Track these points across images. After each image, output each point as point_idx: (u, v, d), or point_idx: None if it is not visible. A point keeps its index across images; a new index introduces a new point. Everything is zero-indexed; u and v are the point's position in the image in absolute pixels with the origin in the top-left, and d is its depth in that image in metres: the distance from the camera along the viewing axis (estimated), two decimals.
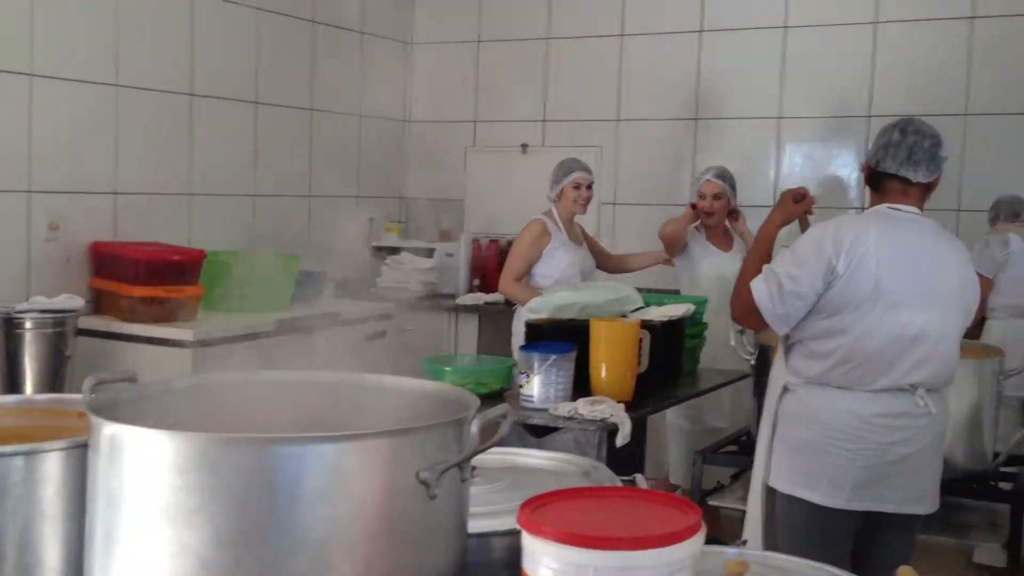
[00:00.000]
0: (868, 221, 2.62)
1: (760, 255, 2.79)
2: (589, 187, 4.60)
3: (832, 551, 2.57)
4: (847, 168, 5.38)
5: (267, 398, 1.45)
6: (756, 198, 5.53)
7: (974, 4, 5.04)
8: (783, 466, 2.70)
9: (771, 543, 2.76)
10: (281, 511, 1.06)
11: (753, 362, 3.46)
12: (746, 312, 2.69)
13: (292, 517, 1.06)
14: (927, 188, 2.65)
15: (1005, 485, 3.22)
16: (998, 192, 4.76)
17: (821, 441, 2.60)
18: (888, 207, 2.65)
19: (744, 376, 3.86)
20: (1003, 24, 4.99)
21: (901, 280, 2.54)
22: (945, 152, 2.66)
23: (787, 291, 2.57)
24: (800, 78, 5.42)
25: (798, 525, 2.66)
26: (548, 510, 0.99)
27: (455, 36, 6.25)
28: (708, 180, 4.65)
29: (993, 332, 4.42)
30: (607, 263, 4.88)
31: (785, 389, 2.71)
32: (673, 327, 3.71)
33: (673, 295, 5.15)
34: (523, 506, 1.00)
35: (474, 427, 1.17)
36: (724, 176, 4.68)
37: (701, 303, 4.31)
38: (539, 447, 3.29)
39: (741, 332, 3.50)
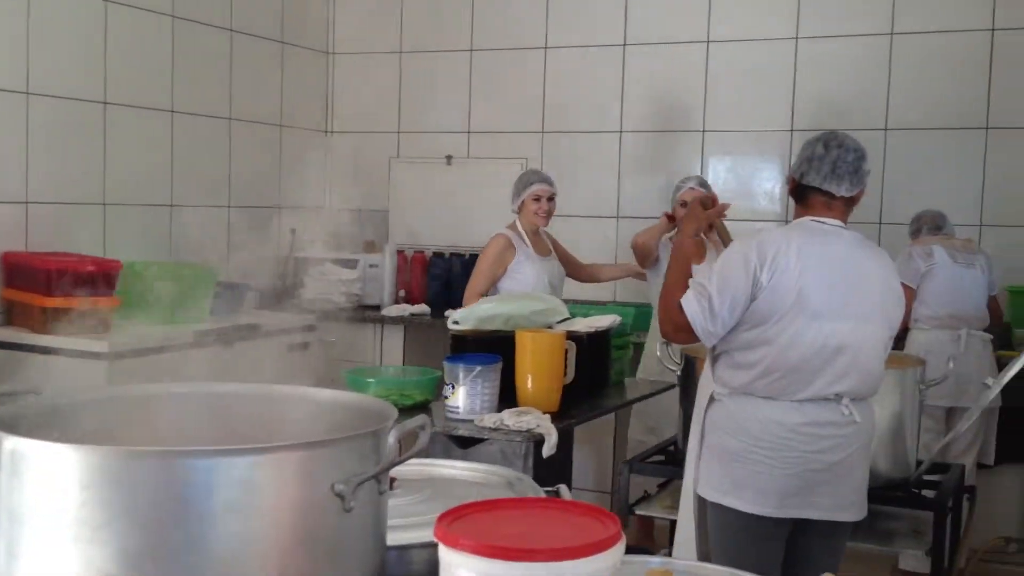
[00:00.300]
0: (791, 233, 2.65)
1: (680, 269, 2.79)
2: (551, 199, 4.58)
3: (763, 559, 2.61)
4: (770, 182, 5.46)
5: (181, 411, 1.41)
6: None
7: (893, 21, 5.16)
8: (712, 474, 2.71)
9: (704, 552, 2.78)
10: (191, 526, 1.03)
11: (679, 372, 3.48)
12: (677, 329, 2.69)
13: (202, 532, 1.03)
14: (850, 201, 2.68)
15: (928, 493, 3.27)
16: (918, 206, 4.86)
17: (747, 450, 2.62)
18: (812, 220, 2.68)
19: (671, 386, 3.88)
20: (922, 41, 5.11)
21: (823, 291, 2.57)
22: (868, 166, 2.69)
23: (717, 307, 2.58)
24: (722, 92, 5.49)
25: (728, 533, 2.68)
26: (466, 522, 0.97)
27: (377, 47, 6.21)
28: (690, 188, 4.56)
29: (916, 342, 4.50)
30: (578, 273, 4.84)
31: (712, 399, 2.73)
32: (599, 338, 3.72)
33: (601, 306, 5.20)
34: (440, 518, 0.98)
35: (391, 439, 1.15)
36: (704, 185, 4.64)
37: (628, 314, 4.33)
38: (465, 459, 3.30)
39: (667, 344, 3.52)
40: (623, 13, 5.67)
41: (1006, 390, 3.78)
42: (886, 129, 5.17)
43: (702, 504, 2.76)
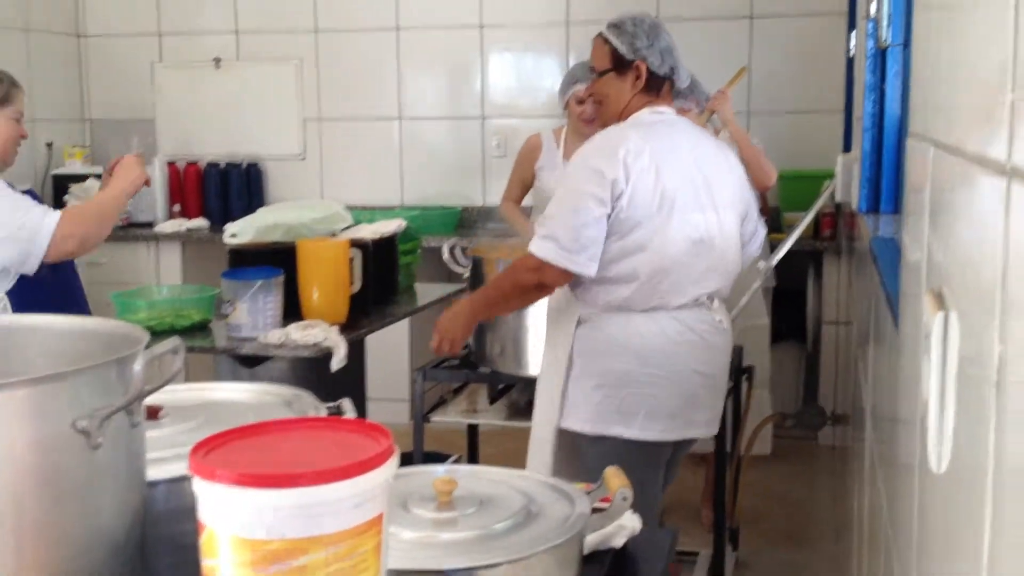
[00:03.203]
0: (632, 132, 2.46)
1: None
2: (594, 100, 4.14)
3: (649, 485, 2.49)
4: (550, 78, 5.44)
5: None
6: (464, 110, 5.51)
7: None
8: (589, 405, 2.51)
9: None
10: None
11: (467, 275, 3.44)
12: (540, 281, 2.45)
13: None
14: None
15: None
16: None
17: (634, 372, 2.47)
18: (650, 112, 2.53)
19: (462, 290, 3.85)
20: None
21: (683, 184, 2.43)
22: None
23: (579, 227, 2.38)
24: None
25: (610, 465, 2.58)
26: (224, 451, 0.88)
27: None
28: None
29: None
30: None
31: (579, 322, 2.53)
32: (385, 244, 3.63)
33: (387, 211, 5.09)
34: (195, 449, 0.88)
35: (138, 366, 1.03)
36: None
37: (414, 218, 4.25)
38: (252, 378, 3.17)
39: (454, 246, 3.46)
40: None
41: (778, 270, 3.97)
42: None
43: (568, 439, 2.56)
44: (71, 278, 2.85)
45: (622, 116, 2.57)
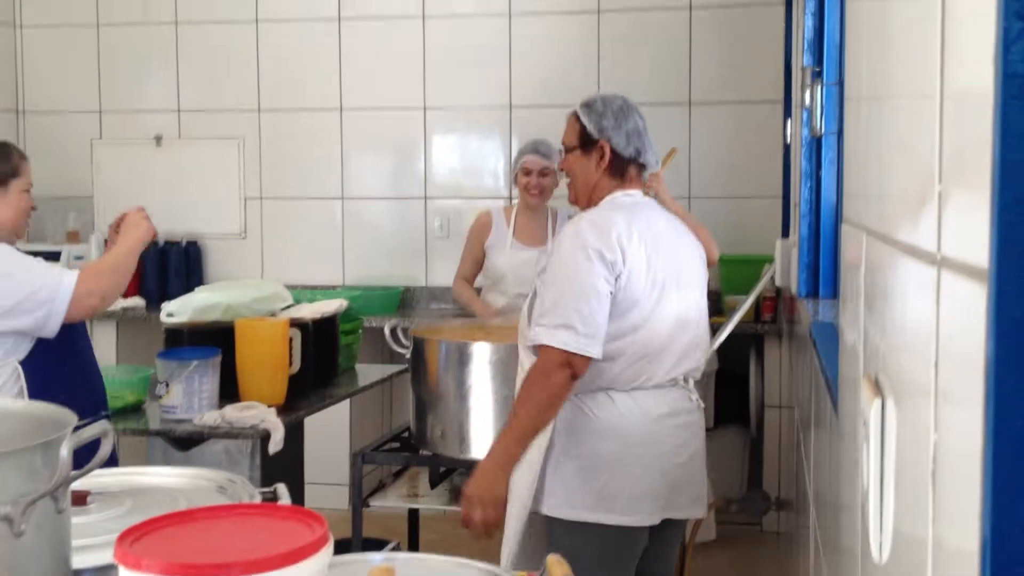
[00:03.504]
0: (615, 215, 2.43)
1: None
2: (543, 173, 3.97)
3: (626, 571, 2.43)
4: (493, 158, 5.49)
5: None
6: (407, 190, 5.53)
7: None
8: (569, 490, 2.41)
9: None
10: None
11: (408, 355, 3.41)
12: (573, 374, 2.32)
13: None
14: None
15: None
16: None
17: (619, 454, 2.40)
18: (623, 194, 2.52)
19: (403, 370, 3.81)
20: (626, 18, 5.29)
21: (667, 264, 2.44)
22: None
23: (591, 312, 2.31)
24: (441, 69, 5.46)
25: (588, 553, 2.37)
26: (152, 539, 0.85)
27: (70, 19, 5.74)
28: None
29: None
30: None
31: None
32: (326, 324, 3.60)
33: (328, 290, 5.05)
34: (121, 537, 0.85)
35: (64, 450, 1.00)
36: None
37: (356, 298, 4.22)
38: (186, 462, 3.09)
39: (395, 326, 3.44)
40: None
41: (720, 353, 3.99)
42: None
43: (543, 525, 2.46)
44: (84, 340, 2.79)
45: (592, 196, 2.56)
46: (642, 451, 2.41)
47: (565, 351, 2.30)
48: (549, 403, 2.34)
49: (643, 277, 2.38)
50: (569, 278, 2.35)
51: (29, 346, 2.56)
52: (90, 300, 2.57)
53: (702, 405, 2.57)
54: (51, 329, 2.54)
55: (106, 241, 2.98)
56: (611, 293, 2.36)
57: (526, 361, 2.44)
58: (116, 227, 2.87)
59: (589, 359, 2.32)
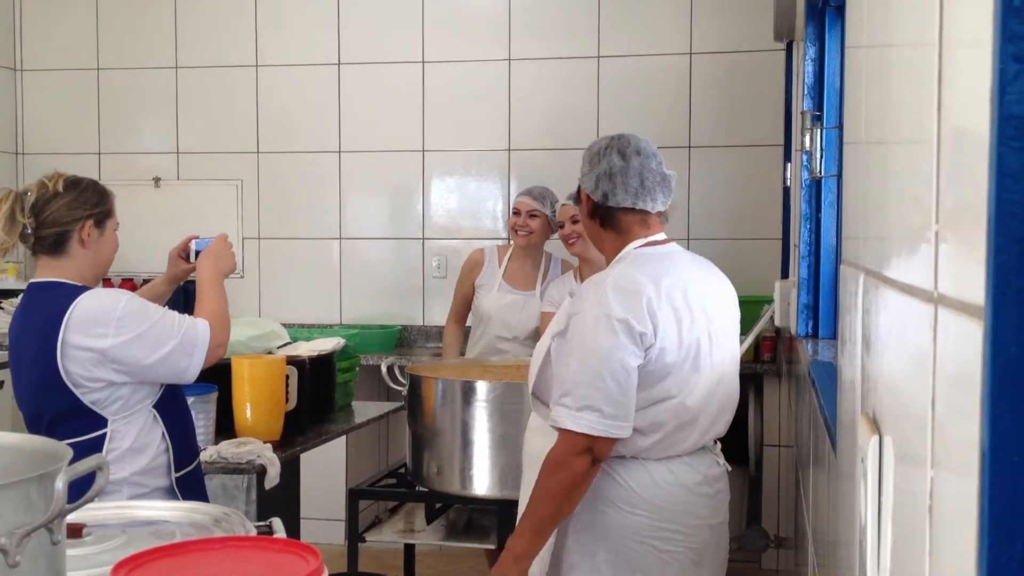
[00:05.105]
0: (639, 275, 2.20)
1: None
2: (532, 215, 3.95)
3: None
4: (491, 200, 5.51)
5: None
6: (405, 230, 5.55)
7: (600, 45, 5.35)
8: (595, 566, 2.23)
9: None
10: None
11: (405, 392, 3.41)
12: (594, 459, 2.14)
13: None
14: (662, 212, 2.34)
15: None
16: None
17: (652, 527, 2.21)
18: (641, 246, 2.28)
19: (400, 408, 3.81)
20: (626, 63, 5.33)
21: (698, 322, 2.22)
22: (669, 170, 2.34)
23: (619, 391, 2.11)
24: (439, 112, 5.49)
25: None
26: (144, 571, 0.85)
27: (70, 63, 5.79)
28: (563, 204, 3.91)
29: None
30: None
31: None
32: (323, 362, 3.60)
33: (325, 329, 5.06)
34: (116, 568, 0.85)
35: (60, 483, 1.00)
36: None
37: (353, 336, 4.23)
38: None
39: (392, 364, 3.44)
40: (336, 32, 5.57)
41: None
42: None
43: None
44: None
45: (603, 249, 2.38)
46: (673, 524, 2.23)
47: (585, 435, 2.11)
48: (567, 496, 2.16)
49: (675, 345, 2.18)
50: (592, 352, 2.13)
51: (160, 391, 2.51)
52: (220, 351, 2.55)
53: (729, 468, 2.40)
54: (191, 376, 2.48)
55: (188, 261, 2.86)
56: (640, 366, 2.16)
57: (542, 422, 2.31)
58: (183, 253, 2.82)
59: (613, 441, 2.15)
